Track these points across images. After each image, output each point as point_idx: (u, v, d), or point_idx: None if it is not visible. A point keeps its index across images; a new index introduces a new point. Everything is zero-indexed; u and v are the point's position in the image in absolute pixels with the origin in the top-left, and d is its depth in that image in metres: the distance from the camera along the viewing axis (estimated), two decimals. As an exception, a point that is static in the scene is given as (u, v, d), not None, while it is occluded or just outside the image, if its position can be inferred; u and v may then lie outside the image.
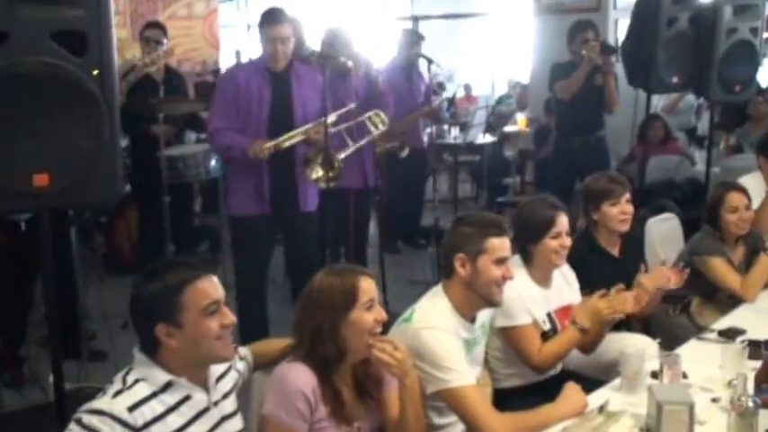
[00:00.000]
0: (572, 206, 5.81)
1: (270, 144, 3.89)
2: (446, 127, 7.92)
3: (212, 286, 2.01)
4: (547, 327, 2.93)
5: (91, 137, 2.33)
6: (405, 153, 5.67)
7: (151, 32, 5.41)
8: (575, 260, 3.24)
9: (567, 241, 2.96)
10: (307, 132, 3.96)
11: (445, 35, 15.01)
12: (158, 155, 4.86)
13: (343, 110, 4.20)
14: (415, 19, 13.65)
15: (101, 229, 6.01)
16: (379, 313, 2.25)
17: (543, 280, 3.00)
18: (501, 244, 2.56)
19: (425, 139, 6.93)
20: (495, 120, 9.75)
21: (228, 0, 14.08)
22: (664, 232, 4.36)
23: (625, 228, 3.40)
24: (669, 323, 3.84)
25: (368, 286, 2.25)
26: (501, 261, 2.56)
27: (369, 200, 4.87)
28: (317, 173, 3.95)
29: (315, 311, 2.23)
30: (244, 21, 13.00)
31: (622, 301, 2.86)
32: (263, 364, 2.40)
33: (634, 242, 3.62)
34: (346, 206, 4.70)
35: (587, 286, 3.10)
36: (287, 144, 3.95)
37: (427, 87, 6.47)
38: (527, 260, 2.98)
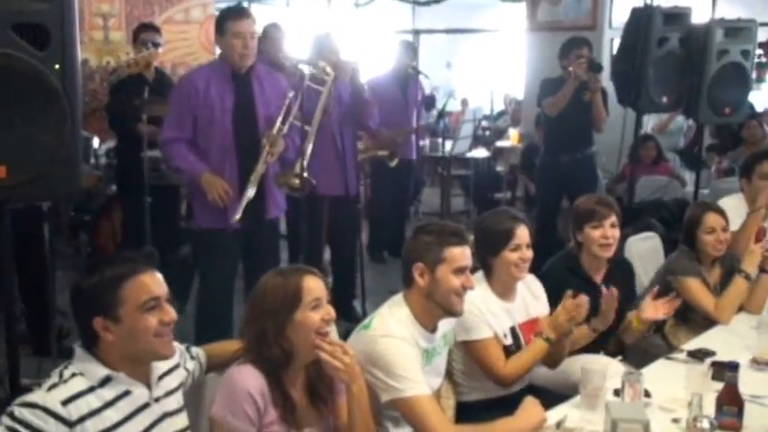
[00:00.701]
0: (558, 222, 5.87)
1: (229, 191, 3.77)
2: (440, 140, 7.92)
3: (154, 282, 2.00)
4: (509, 341, 2.90)
5: (51, 131, 2.32)
6: (394, 163, 5.68)
7: (146, 35, 5.42)
8: (552, 278, 3.23)
9: (528, 254, 2.92)
10: (266, 158, 3.82)
11: (446, 50, 15.09)
12: (142, 155, 4.85)
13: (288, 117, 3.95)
14: (417, 33, 13.72)
15: (85, 228, 6.00)
16: (327, 312, 2.23)
17: (505, 293, 2.97)
18: (461, 253, 2.54)
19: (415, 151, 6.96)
20: (493, 135, 9.78)
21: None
22: (644, 251, 4.32)
23: (606, 253, 3.30)
24: (643, 343, 3.78)
25: (313, 285, 2.22)
26: (460, 270, 2.53)
27: (350, 208, 4.82)
28: (294, 182, 3.93)
29: (259, 314, 2.21)
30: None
31: (576, 305, 2.80)
32: (217, 366, 2.37)
33: (623, 270, 3.53)
34: (320, 213, 4.61)
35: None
36: (253, 181, 3.82)
37: (424, 99, 6.50)
38: (488, 273, 2.95)
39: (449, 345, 2.77)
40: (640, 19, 5.11)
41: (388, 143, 5.74)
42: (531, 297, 3.07)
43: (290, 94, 3.95)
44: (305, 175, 3.95)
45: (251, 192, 3.83)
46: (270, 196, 3.97)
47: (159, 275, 2.02)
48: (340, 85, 4.47)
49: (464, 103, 10.88)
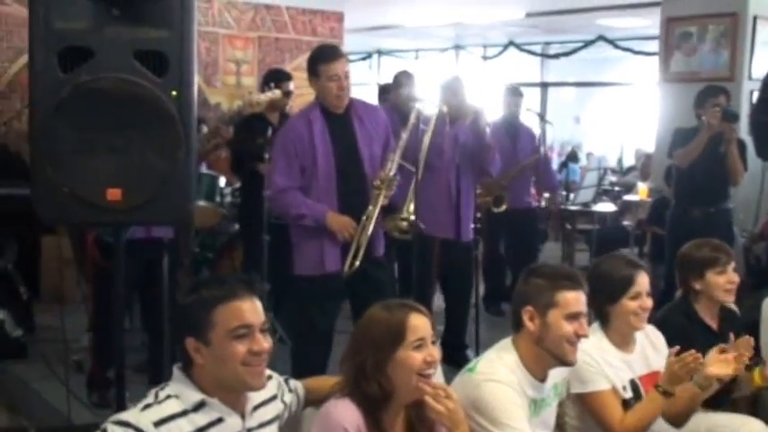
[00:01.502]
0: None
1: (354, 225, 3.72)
2: (564, 193, 7.71)
3: (249, 309, 1.95)
4: (629, 394, 2.70)
5: (166, 156, 2.36)
6: (502, 208, 5.54)
7: (276, 81, 5.56)
8: (672, 330, 3.05)
9: (648, 302, 2.75)
10: (380, 201, 3.73)
11: (575, 104, 14.86)
12: (263, 194, 4.93)
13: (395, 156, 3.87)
14: (545, 86, 13.58)
15: (208, 264, 6.14)
16: (431, 354, 2.12)
17: (623, 344, 2.79)
18: (574, 298, 2.40)
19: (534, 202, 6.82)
20: (622, 190, 9.47)
21: (361, 60, 14.55)
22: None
23: (731, 298, 3.21)
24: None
25: (419, 323, 2.13)
26: (574, 316, 2.39)
27: (463, 254, 4.71)
28: (402, 225, 3.86)
29: (360, 347, 2.14)
30: (375, 79, 13.32)
31: (696, 357, 2.56)
32: (316, 401, 2.30)
33: (731, 316, 3.37)
34: (430, 254, 4.47)
35: None
36: (368, 225, 3.75)
37: (535, 147, 6.33)
38: (604, 322, 2.78)
39: (559, 397, 2.60)
40: (782, 67, 4.84)
41: (493, 188, 5.61)
42: (651, 349, 2.88)
43: (404, 135, 3.90)
44: (412, 218, 3.87)
45: (364, 239, 3.73)
46: (377, 236, 3.89)
47: (258, 303, 1.98)
48: (458, 127, 4.42)
49: (589, 155, 10.61)
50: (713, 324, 3.25)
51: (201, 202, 5.98)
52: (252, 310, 1.96)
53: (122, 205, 2.35)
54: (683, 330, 3.10)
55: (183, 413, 1.89)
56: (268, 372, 2.11)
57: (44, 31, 2.25)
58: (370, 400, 2.09)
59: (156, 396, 1.91)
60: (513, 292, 2.56)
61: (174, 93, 2.34)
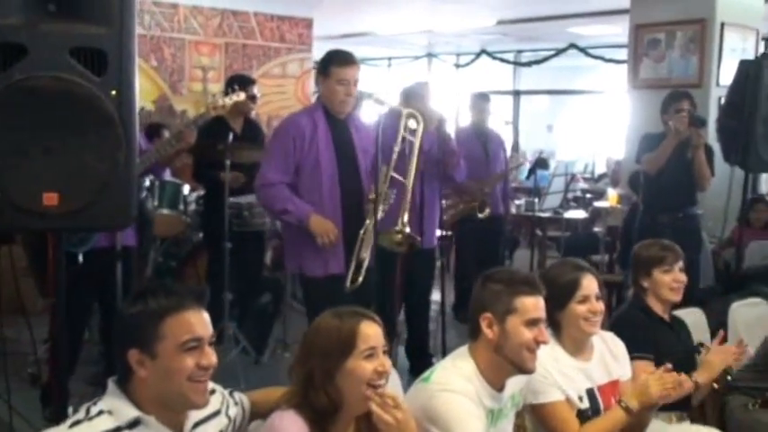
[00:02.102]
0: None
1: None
2: (535, 199, 7.66)
3: (199, 321, 1.86)
4: (584, 404, 2.61)
5: (105, 159, 2.25)
6: (485, 213, 5.49)
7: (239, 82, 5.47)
8: (632, 325, 3.08)
9: (598, 306, 2.68)
10: (377, 215, 3.70)
11: (548, 113, 14.88)
12: (224, 201, 4.83)
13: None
14: (517, 93, 13.59)
15: (171, 274, 6.02)
16: (382, 364, 2.03)
17: (578, 351, 2.71)
18: (533, 304, 2.32)
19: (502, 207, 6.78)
20: (593, 197, 9.46)
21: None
22: (750, 318, 3.95)
23: (676, 297, 3.22)
24: (748, 418, 3.42)
25: (371, 332, 2.04)
26: (533, 323, 2.31)
27: (425, 261, 4.62)
28: (396, 239, 3.82)
29: (309, 355, 2.05)
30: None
31: (677, 383, 2.53)
32: (263, 413, 2.19)
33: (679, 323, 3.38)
34: (393, 264, 4.35)
35: (651, 351, 2.94)
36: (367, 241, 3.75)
37: (505, 154, 6.31)
38: (556, 330, 2.70)
39: (516, 407, 2.52)
40: (749, 72, 4.81)
41: (476, 194, 5.56)
42: (610, 356, 2.80)
43: (396, 149, 3.89)
44: (407, 230, 3.83)
45: (365, 253, 3.73)
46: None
47: (206, 315, 1.89)
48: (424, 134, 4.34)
49: (549, 155, 10.57)
50: (666, 317, 3.27)
51: (165, 211, 5.88)
52: (202, 322, 1.87)
53: (59, 210, 2.24)
54: (644, 326, 3.13)
55: (117, 430, 1.78)
56: (211, 385, 2.01)
57: (-27, 26, 2.13)
58: (317, 411, 2.00)
59: (88, 412, 1.80)
60: (470, 299, 2.48)
61: (113, 92, 2.24)
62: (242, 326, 5.22)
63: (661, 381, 2.52)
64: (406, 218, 3.83)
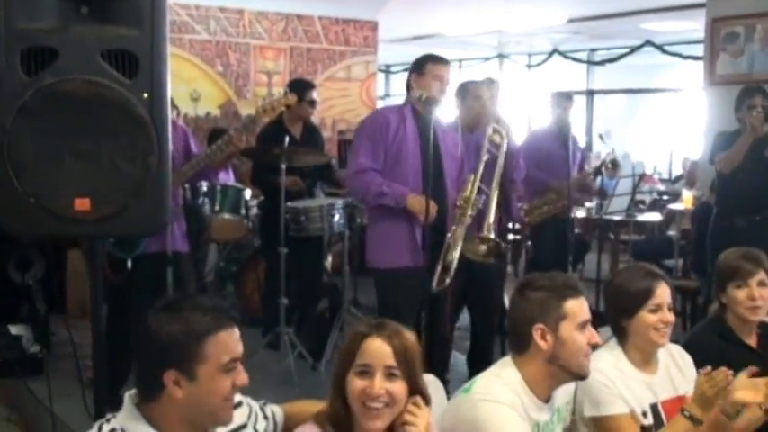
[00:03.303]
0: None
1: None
2: (603, 203, 7.40)
3: (235, 340, 1.79)
4: (648, 420, 2.43)
5: (137, 163, 2.21)
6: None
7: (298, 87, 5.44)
8: (705, 348, 2.79)
9: (670, 316, 2.50)
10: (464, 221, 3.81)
11: (625, 111, 14.46)
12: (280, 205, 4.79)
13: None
14: (591, 93, 13.24)
15: (233, 278, 6.03)
16: (372, 385, 1.88)
17: (644, 363, 2.53)
18: (580, 306, 2.20)
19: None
20: (671, 199, 9.12)
21: (404, 71, 14.39)
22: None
23: (755, 317, 2.86)
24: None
25: (370, 348, 1.91)
26: (584, 325, 2.19)
27: (488, 266, 4.45)
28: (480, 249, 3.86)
29: (336, 363, 1.96)
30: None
31: (728, 375, 2.27)
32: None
33: None
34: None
35: None
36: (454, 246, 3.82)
37: (582, 156, 6.10)
38: (622, 339, 2.54)
39: (562, 422, 2.36)
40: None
41: (564, 193, 5.41)
42: (676, 370, 2.61)
43: (485, 157, 3.95)
44: (492, 237, 3.85)
45: (455, 254, 3.77)
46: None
47: (237, 332, 1.82)
48: (479, 134, 4.21)
49: (624, 158, 10.16)
50: (751, 341, 2.92)
51: (227, 215, 5.91)
52: (237, 340, 1.81)
53: (92, 216, 2.21)
54: (716, 348, 2.82)
55: None
56: (239, 397, 1.94)
57: (5, 30, 2.12)
58: (335, 424, 1.91)
59: (100, 429, 1.74)
60: (509, 314, 2.34)
61: (145, 95, 2.20)
62: (299, 331, 5.17)
63: (711, 380, 2.29)
64: (491, 222, 3.88)
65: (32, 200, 2.17)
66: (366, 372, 1.89)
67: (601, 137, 7.76)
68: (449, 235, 3.78)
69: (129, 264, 3.81)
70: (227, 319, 1.80)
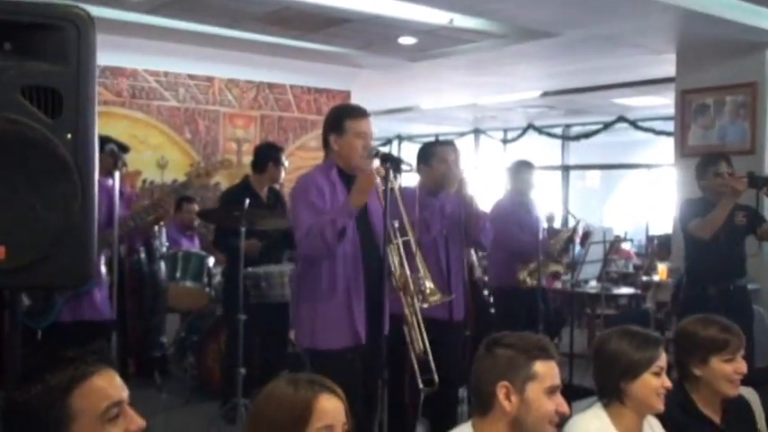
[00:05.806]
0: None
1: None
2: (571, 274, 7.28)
3: (110, 384, 1.58)
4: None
5: (58, 209, 2.04)
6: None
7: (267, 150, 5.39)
8: (665, 422, 2.60)
9: (668, 382, 2.40)
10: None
11: (601, 187, 14.52)
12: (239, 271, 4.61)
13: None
14: (566, 168, 13.28)
15: (193, 349, 5.78)
16: None
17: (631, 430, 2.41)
18: (551, 369, 2.07)
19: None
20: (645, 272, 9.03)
21: (381, 145, 14.42)
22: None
23: (734, 391, 2.70)
24: None
25: (330, 407, 1.75)
26: (553, 390, 2.05)
27: (455, 335, 4.25)
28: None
29: (257, 426, 1.77)
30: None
31: None
32: None
33: (740, 408, 2.84)
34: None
35: None
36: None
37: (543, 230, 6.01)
38: (612, 404, 2.41)
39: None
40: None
41: (552, 253, 5.26)
42: None
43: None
44: (430, 287, 3.46)
45: (424, 344, 3.49)
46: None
47: (117, 376, 1.61)
48: (443, 197, 4.08)
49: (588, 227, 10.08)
50: (715, 417, 2.73)
51: (188, 283, 5.73)
52: (114, 383, 1.60)
53: (7, 265, 2.02)
54: (679, 426, 2.63)
55: None
56: None
57: None
58: None
59: None
60: (474, 371, 2.17)
61: (68, 136, 2.04)
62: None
63: None
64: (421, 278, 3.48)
65: (-59, 247, 2.00)
66: None
67: (572, 215, 7.66)
68: (404, 328, 3.46)
69: (39, 335, 3.52)
70: (93, 363, 1.59)
